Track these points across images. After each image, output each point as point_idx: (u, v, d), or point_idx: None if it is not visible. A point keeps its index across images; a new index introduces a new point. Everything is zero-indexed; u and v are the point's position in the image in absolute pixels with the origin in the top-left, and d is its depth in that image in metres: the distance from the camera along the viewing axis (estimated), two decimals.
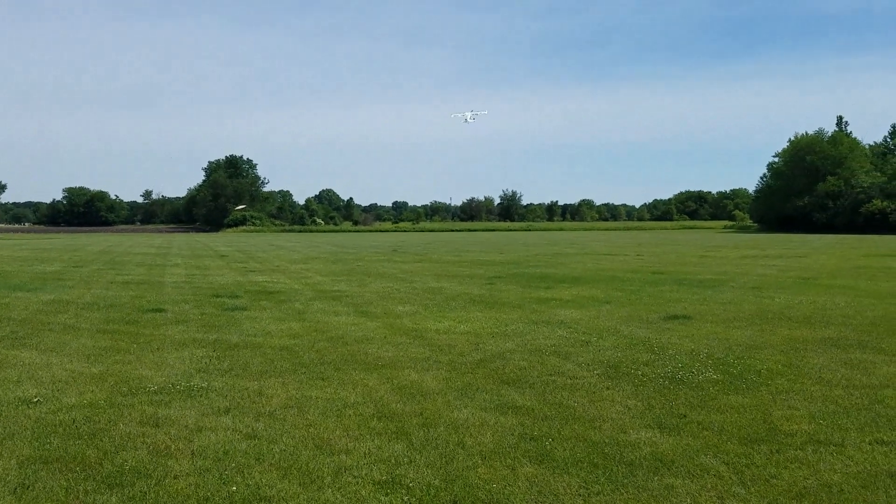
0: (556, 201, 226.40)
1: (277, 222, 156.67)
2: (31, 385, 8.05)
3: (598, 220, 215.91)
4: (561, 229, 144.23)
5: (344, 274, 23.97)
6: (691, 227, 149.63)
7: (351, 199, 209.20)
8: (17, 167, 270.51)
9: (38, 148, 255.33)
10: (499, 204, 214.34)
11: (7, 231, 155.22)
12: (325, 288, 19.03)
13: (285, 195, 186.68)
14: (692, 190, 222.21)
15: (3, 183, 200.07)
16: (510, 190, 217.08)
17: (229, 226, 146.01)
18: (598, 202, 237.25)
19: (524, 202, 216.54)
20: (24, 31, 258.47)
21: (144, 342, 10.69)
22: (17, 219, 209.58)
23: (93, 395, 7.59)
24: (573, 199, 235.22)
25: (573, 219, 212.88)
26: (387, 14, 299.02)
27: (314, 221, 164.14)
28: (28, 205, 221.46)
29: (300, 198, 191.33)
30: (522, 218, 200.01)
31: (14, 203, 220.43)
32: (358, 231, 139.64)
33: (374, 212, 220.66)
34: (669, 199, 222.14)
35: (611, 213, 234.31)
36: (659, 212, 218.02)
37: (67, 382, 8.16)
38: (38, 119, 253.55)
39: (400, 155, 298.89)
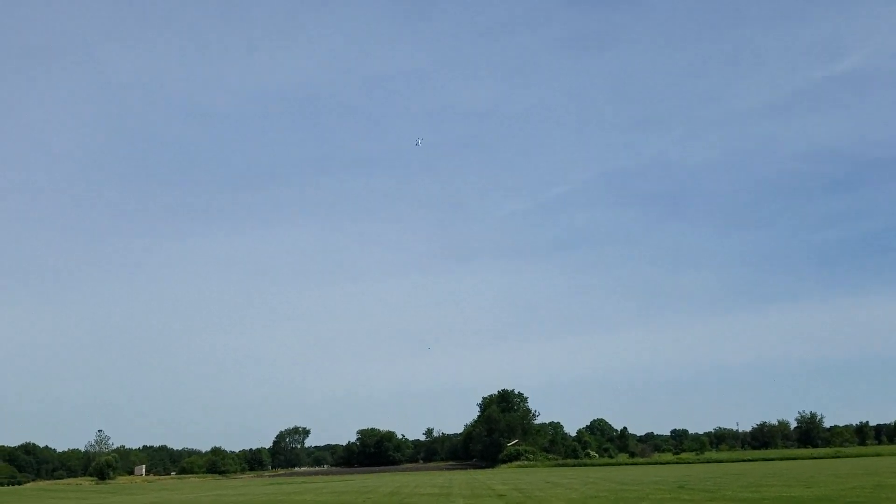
0: (867, 422, 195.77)
1: (550, 456, 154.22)
2: None
3: None
4: (878, 454, 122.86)
5: None
6: None
7: (625, 428, 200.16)
8: (321, 413, 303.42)
9: (337, 394, 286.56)
10: (796, 428, 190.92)
11: (309, 474, 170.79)
12: None
13: (556, 427, 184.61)
14: None
15: (307, 429, 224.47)
16: (808, 411, 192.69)
17: (504, 461, 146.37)
18: None
19: (827, 424, 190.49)
20: (326, 289, 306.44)
21: None
22: (318, 461, 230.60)
23: None
24: (889, 419, 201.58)
25: (891, 442, 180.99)
26: (646, 241, 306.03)
27: (587, 454, 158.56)
28: (327, 447, 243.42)
29: (571, 429, 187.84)
30: (827, 443, 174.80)
31: (315, 447, 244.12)
32: (635, 464, 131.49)
33: (651, 442, 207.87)
34: None
35: None
36: None
37: None
38: (337, 367, 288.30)
39: (674, 380, 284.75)
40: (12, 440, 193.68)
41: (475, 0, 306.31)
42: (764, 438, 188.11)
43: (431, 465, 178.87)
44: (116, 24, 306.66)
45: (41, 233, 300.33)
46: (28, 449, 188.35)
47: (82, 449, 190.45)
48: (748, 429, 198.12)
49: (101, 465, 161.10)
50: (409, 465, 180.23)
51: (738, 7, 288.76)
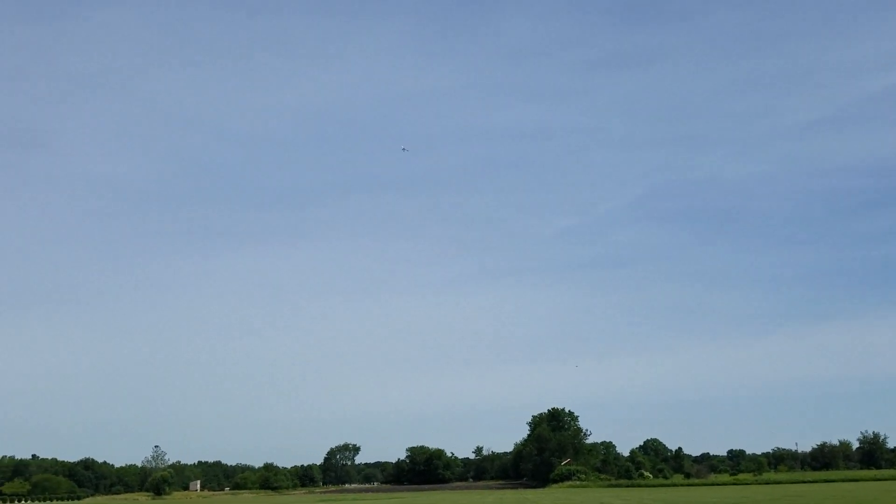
0: None
1: (603, 476, 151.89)
2: None
3: None
4: None
5: None
6: None
7: (679, 448, 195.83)
8: (371, 430, 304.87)
9: (386, 411, 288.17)
10: (858, 448, 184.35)
11: (359, 491, 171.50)
12: None
13: (608, 447, 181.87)
14: None
15: (357, 446, 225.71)
16: (871, 431, 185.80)
17: (555, 481, 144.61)
18: None
19: (890, 445, 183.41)
20: (376, 307, 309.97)
21: None
22: (368, 478, 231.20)
23: None
24: None
25: None
26: (699, 258, 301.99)
27: (641, 475, 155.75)
28: (377, 465, 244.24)
29: (624, 448, 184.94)
30: (891, 464, 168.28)
31: (366, 464, 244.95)
32: (691, 485, 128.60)
33: (707, 462, 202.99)
34: None
35: None
36: None
37: None
38: (386, 385, 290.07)
39: (730, 399, 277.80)
40: (72, 456, 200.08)
41: (517, 20, 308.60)
42: (825, 459, 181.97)
43: (481, 483, 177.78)
44: (154, 50, 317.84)
45: (93, 255, 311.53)
46: (87, 464, 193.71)
47: (139, 464, 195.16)
48: (808, 449, 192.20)
49: (157, 480, 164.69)
50: (458, 484, 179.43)
51: (787, 21, 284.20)
